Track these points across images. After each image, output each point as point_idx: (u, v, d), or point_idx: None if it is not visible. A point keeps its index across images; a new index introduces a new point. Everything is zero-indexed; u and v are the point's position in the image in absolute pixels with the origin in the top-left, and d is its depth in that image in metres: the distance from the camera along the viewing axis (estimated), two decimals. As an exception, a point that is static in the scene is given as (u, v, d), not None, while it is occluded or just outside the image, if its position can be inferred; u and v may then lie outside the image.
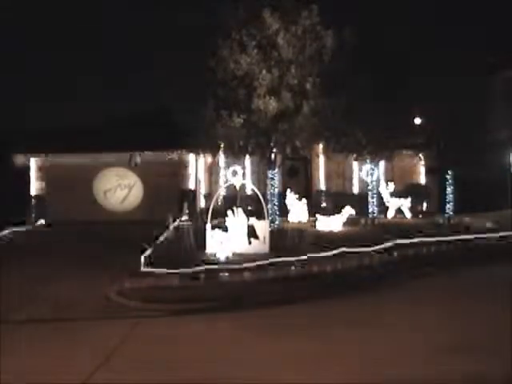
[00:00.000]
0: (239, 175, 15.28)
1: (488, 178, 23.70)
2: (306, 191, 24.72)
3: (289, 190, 22.12)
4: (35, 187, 24.48)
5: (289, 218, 21.27)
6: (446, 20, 22.90)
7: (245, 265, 12.31)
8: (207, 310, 9.87)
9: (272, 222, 17.72)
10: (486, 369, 6.75)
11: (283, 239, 15.10)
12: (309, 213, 21.41)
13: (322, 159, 24.89)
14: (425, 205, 24.72)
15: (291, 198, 21.75)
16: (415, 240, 15.23)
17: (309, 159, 25.09)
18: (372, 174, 21.70)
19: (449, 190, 21.72)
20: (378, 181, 22.68)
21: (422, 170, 25.33)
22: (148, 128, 22.92)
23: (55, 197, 24.03)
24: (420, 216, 22.76)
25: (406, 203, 22.77)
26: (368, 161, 21.63)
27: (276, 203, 18.88)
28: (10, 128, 25.10)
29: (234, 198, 20.57)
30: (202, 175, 25.13)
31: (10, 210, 21.38)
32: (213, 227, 14.36)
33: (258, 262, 12.46)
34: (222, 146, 18.99)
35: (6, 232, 19.92)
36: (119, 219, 22.90)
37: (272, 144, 18.22)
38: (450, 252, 14.99)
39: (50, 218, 23.63)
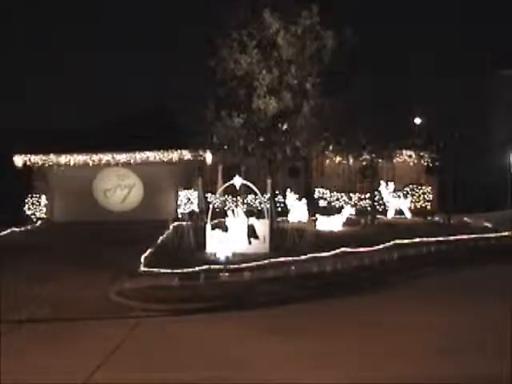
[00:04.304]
0: (239, 175, 15.27)
1: (488, 178, 23.72)
2: (306, 191, 24.70)
3: (289, 190, 22.13)
4: (35, 187, 24.47)
5: (289, 218, 21.28)
6: (446, 20, 22.91)
7: (244, 265, 12.31)
8: (207, 309, 9.86)
9: (272, 221, 17.71)
10: (487, 370, 6.75)
11: (283, 239, 15.09)
12: (309, 213, 21.42)
13: (321, 159, 24.87)
14: (424, 205, 24.72)
15: (291, 198, 21.76)
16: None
17: (309, 159, 25.07)
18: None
19: (449, 189, 21.71)
20: (378, 181, 22.69)
21: (422, 169, 25.32)
22: (148, 128, 22.93)
23: (55, 197, 24.05)
24: (420, 216, 22.75)
25: (405, 203, 22.76)
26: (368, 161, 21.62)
27: (276, 203, 18.87)
28: (10, 128, 25.09)
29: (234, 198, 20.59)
30: (202, 175, 25.11)
31: (10, 210, 21.40)
32: (213, 227, 14.36)
33: (258, 262, 12.46)
34: (222, 146, 18.95)
35: (6, 232, 19.92)
36: (119, 219, 22.92)
37: (272, 144, 18.22)
38: (450, 252, 15.01)
39: (49, 217, 23.64)
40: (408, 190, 23.91)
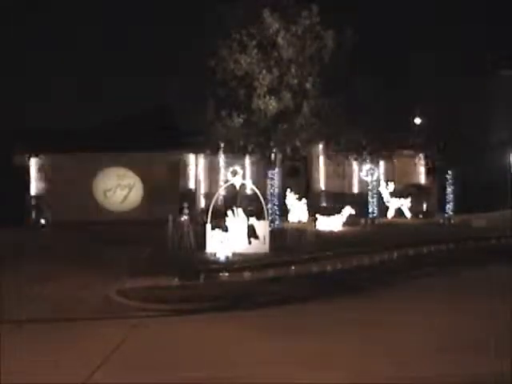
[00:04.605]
0: (239, 175, 15.27)
1: (488, 178, 23.69)
2: (306, 191, 24.70)
3: (289, 190, 22.12)
4: (35, 187, 24.46)
5: (289, 218, 21.27)
6: (446, 20, 22.89)
7: (244, 264, 12.31)
8: (207, 309, 9.86)
9: (272, 221, 17.72)
10: (487, 369, 6.74)
11: (283, 239, 15.09)
12: (309, 213, 21.42)
13: (321, 159, 24.88)
14: (425, 205, 24.73)
15: (291, 198, 21.75)
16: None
17: (309, 159, 25.07)
18: (372, 174, 21.72)
19: (449, 190, 21.71)
20: (377, 181, 22.69)
21: (422, 169, 25.32)
22: (148, 128, 22.92)
23: (55, 197, 24.02)
24: (420, 216, 22.77)
25: (405, 203, 22.77)
26: (368, 161, 21.64)
27: (276, 203, 18.87)
28: (9, 128, 25.06)
29: (234, 198, 20.55)
30: (201, 175, 25.12)
31: (10, 210, 21.37)
32: (213, 227, 14.36)
33: (258, 262, 12.46)
34: (222, 145, 18.97)
35: (5, 232, 19.89)
36: (119, 219, 22.87)
37: (272, 144, 18.23)
38: (450, 251, 15.03)
39: (49, 217, 23.61)
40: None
